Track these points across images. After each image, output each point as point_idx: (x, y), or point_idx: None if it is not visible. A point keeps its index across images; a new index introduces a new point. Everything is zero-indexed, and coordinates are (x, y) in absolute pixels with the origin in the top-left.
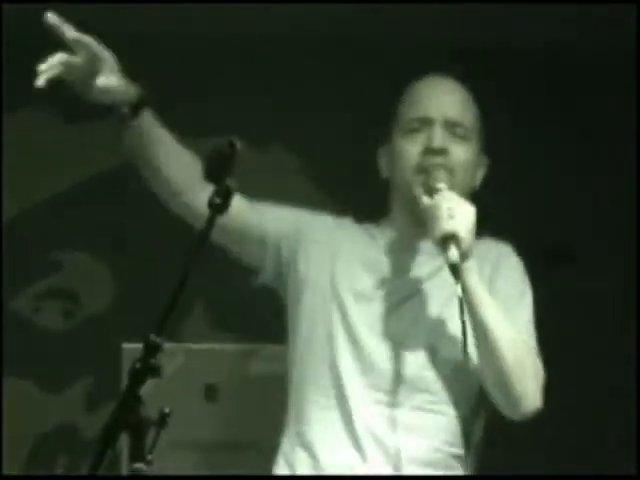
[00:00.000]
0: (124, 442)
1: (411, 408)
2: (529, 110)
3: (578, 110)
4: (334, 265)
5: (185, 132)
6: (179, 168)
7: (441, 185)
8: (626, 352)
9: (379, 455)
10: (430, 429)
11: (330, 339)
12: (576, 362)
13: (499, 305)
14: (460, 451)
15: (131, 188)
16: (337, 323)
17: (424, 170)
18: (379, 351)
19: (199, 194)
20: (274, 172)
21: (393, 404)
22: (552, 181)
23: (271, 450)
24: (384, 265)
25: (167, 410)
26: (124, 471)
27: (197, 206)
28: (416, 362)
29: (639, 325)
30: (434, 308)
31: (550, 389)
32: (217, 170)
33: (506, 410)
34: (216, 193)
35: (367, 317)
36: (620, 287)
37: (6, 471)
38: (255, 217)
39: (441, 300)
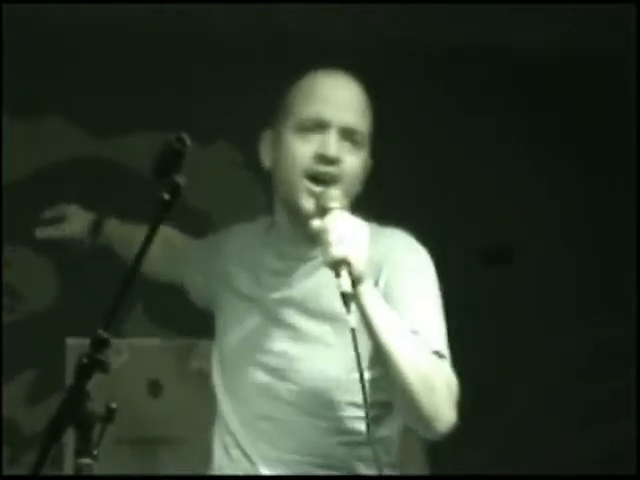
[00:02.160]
0: (68, 437)
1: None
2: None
3: (522, 109)
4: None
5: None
6: (152, 263)
7: (333, 205)
8: (563, 350)
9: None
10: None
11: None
12: (512, 360)
13: (398, 320)
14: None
15: (76, 184)
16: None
17: (314, 177)
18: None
19: (180, 272)
20: (219, 166)
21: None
22: (489, 180)
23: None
24: (267, 272)
25: (114, 405)
26: (68, 466)
27: (182, 280)
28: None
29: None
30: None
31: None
32: (166, 166)
33: (421, 431)
34: (165, 189)
35: (247, 332)
36: (560, 285)
37: None
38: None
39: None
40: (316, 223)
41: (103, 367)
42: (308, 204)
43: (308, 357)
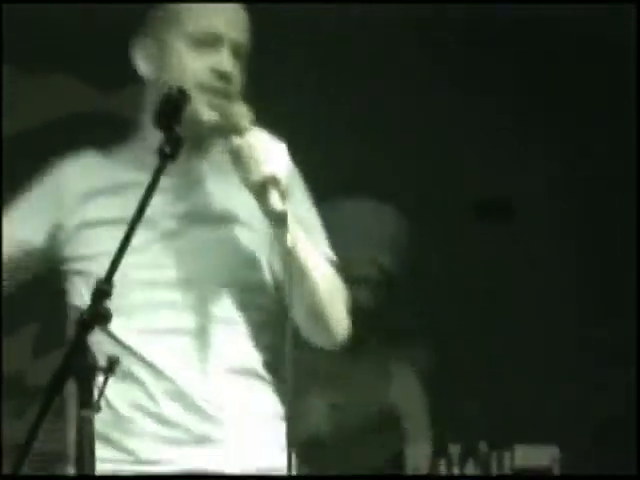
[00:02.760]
0: (71, 389)
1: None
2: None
3: (523, 64)
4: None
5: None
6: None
7: (246, 123)
8: (565, 305)
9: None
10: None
11: None
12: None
13: (307, 236)
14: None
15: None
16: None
17: (208, 90)
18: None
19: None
20: None
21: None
22: (488, 132)
23: None
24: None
25: (115, 357)
26: (70, 418)
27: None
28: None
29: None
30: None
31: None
32: (167, 118)
33: (320, 341)
34: (166, 141)
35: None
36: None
37: None
38: None
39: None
40: (236, 140)
41: (104, 319)
42: (211, 117)
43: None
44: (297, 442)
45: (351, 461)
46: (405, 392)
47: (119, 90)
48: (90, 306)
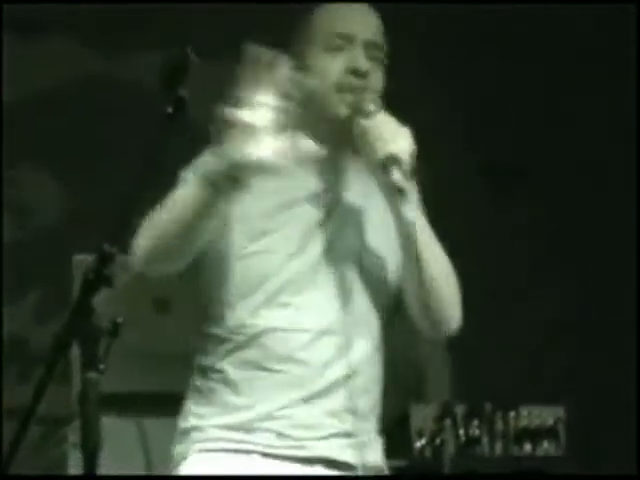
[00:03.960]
0: (76, 352)
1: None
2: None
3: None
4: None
5: None
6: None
7: (373, 107)
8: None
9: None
10: None
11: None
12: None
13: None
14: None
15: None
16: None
17: (346, 89)
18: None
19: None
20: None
21: None
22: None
23: None
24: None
25: (120, 320)
26: (76, 381)
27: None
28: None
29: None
30: (358, 222)
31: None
32: (171, 79)
33: (432, 330)
34: (170, 102)
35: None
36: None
37: None
38: None
39: (364, 226)
40: (364, 121)
41: (108, 281)
42: (343, 111)
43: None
44: None
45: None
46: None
47: (125, 55)
48: (95, 268)
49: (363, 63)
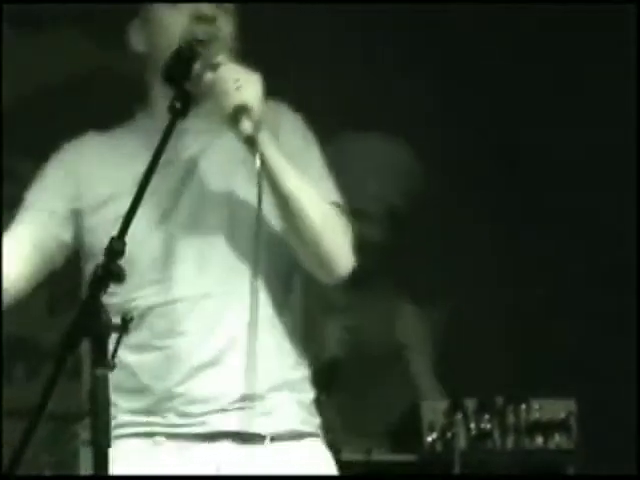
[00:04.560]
0: (86, 347)
1: None
2: None
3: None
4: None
5: None
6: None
7: (220, 58)
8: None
9: None
10: None
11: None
12: None
13: (297, 170)
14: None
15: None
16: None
17: (194, 39)
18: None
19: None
20: None
21: None
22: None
23: None
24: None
25: (129, 316)
26: (86, 377)
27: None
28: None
29: None
30: (220, 186)
31: None
32: (176, 73)
33: (323, 275)
34: (176, 97)
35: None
36: None
37: None
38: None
39: (225, 177)
40: (207, 76)
41: (118, 277)
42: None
43: None
44: (316, 363)
45: (369, 400)
46: (411, 333)
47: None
48: (104, 264)
49: (207, 7)
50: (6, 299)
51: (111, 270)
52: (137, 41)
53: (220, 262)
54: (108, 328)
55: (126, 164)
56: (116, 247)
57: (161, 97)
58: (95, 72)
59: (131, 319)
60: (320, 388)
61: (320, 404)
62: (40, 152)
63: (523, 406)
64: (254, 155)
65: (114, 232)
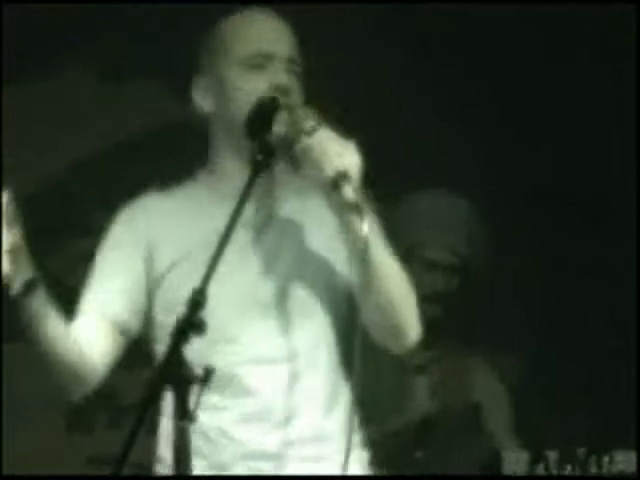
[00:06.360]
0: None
1: None
2: None
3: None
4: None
5: None
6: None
7: (313, 123)
8: None
9: None
10: None
11: None
12: None
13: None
14: None
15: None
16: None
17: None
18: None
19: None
20: None
21: None
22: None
23: None
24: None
25: (212, 366)
26: (166, 428)
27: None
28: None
29: None
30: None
31: None
32: (258, 126)
33: (395, 345)
34: (258, 150)
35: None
36: None
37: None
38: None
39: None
40: (306, 142)
41: (200, 329)
42: (279, 129)
43: None
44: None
45: (453, 454)
46: (488, 392)
47: None
48: (185, 316)
49: (283, 78)
50: (96, 380)
51: (193, 322)
52: (203, 100)
53: (303, 329)
54: (190, 380)
55: (193, 222)
56: (197, 299)
57: (225, 154)
58: (173, 125)
59: (213, 370)
60: (415, 445)
61: (415, 460)
62: (114, 206)
63: (606, 458)
64: (355, 222)
65: (188, 288)
